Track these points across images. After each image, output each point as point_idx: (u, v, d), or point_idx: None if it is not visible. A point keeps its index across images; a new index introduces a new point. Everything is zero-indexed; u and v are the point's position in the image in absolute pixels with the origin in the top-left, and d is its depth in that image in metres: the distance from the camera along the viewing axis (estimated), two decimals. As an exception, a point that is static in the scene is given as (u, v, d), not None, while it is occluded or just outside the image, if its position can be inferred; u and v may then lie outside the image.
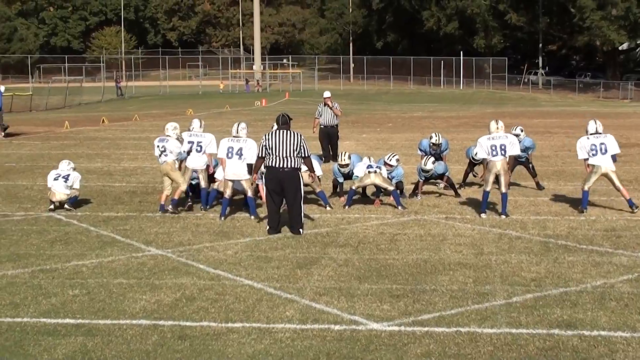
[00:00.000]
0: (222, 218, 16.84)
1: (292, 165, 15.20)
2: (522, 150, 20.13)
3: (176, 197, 17.46)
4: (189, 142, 17.85)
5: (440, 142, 20.30)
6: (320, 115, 27.47)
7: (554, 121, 47.81)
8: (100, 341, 9.40)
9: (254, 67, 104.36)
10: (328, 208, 17.93)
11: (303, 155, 15.37)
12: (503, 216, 16.90)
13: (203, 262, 13.24)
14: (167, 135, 17.66)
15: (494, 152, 16.87)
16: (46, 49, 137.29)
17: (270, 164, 15.27)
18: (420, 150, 20.56)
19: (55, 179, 18.11)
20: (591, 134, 17.66)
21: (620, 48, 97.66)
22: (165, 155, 17.45)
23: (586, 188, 17.61)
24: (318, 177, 17.62)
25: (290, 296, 11.25)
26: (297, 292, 11.43)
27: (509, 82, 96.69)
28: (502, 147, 16.87)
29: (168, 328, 9.88)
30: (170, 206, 17.39)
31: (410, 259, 13.40)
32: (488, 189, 17.05)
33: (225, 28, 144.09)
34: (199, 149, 17.87)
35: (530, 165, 20.74)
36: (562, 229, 15.81)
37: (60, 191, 17.97)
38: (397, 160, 18.74)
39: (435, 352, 9.03)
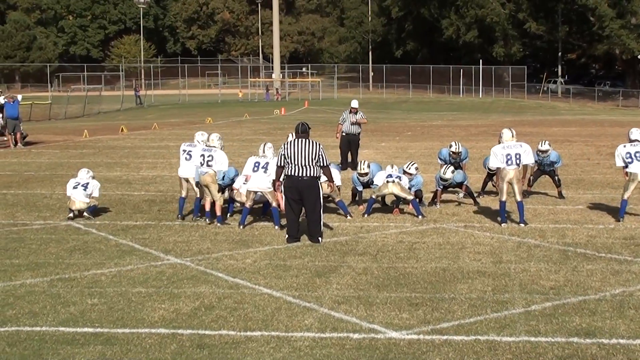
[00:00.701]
0: (242, 226, 16.87)
1: (311, 174, 15.23)
2: (548, 165, 20.17)
3: (218, 213, 17.36)
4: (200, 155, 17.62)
5: (460, 150, 20.29)
6: (344, 122, 27.59)
7: (573, 130, 47.69)
8: (119, 350, 9.42)
9: (273, 75, 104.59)
10: (348, 217, 17.92)
11: (322, 164, 15.38)
12: (522, 224, 16.85)
13: (222, 270, 13.26)
14: (212, 146, 17.59)
15: (509, 161, 16.80)
16: (65, 58, 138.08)
17: (289, 173, 15.29)
18: (440, 159, 20.57)
19: (74, 188, 18.19)
20: (631, 142, 17.53)
21: (639, 57, 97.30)
22: (209, 166, 17.31)
23: (625, 197, 17.49)
24: (337, 187, 17.63)
25: (309, 305, 11.25)
26: (315, 301, 11.43)
27: (528, 91, 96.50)
28: (517, 156, 16.83)
29: (187, 337, 9.89)
30: (217, 222, 17.24)
31: (429, 267, 13.38)
32: (504, 198, 16.98)
33: (245, 37, 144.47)
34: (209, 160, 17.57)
35: (557, 177, 20.62)
36: (581, 237, 15.76)
37: (79, 199, 18.05)
38: (416, 168, 18.74)
39: (453, 361, 9.03)
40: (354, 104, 28.14)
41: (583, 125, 52.95)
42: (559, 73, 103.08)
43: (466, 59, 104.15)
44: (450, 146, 20.45)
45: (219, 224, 17.11)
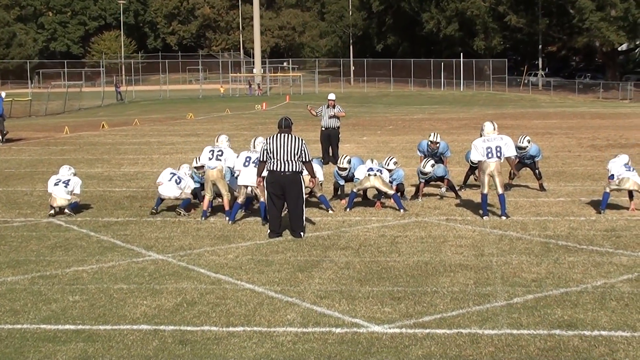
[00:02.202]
0: (230, 222, 16.87)
1: (294, 169, 15.19)
2: (528, 159, 20.24)
3: (227, 207, 17.42)
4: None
5: (437, 140, 20.30)
6: (320, 115, 27.49)
7: (554, 122, 47.82)
8: (101, 347, 9.38)
9: (254, 70, 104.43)
10: (330, 212, 17.90)
11: (304, 159, 15.33)
12: (503, 217, 16.88)
13: (204, 266, 13.23)
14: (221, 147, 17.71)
15: (490, 154, 16.82)
16: (45, 54, 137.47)
17: (272, 168, 15.24)
18: (420, 151, 20.59)
19: (55, 184, 18.11)
20: None
21: (619, 49, 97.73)
22: (218, 160, 17.36)
23: (608, 190, 17.69)
24: (319, 182, 17.62)
25: (291, 300, 11.24)
26: (298, 296, 11.42)
27: (509, 84, 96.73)
28: (498, 149, 16.84)
29: (169, 333, 9.86)
30: (228, 219, 17.16)
31: (411, 261, 13.39)
32: (485, 191, 16.99)
33: (225, 32, 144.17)
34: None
35: (537, 170, 20.66)
36: (562, 230, 15.81)
37: (60, 196, 17.97)
38: (395, 163, 18.75)
39: (436, 354, 9.02)
40: (331, 96, 28.00)
41: (564, 117, 53.10)
42: (540, 66, 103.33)
43: (447, 52, 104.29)
44: (429, 136, 20.49)
45: (230, 221, 17.01)
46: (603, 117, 51.76)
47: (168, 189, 17.94)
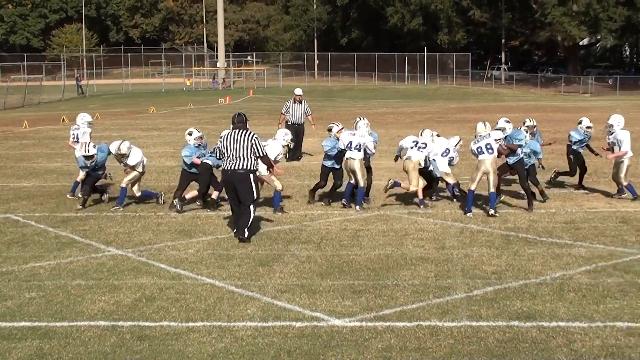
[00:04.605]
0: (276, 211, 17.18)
1: (245, 167, 14.64)
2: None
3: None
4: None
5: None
6: (288, 112, 27.24)
7: (516, 116, 47.73)
8: (57, 344, 9.27)
9: (218, 64, 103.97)
10: (278, 214, 17.18)
11: (258, 154, 14.84)
12: (492, 211, 16.59)
13: (164, 261, 13.14)
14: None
15: (480, 151, 16.71)
16: (5, 47, 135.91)
17: (225, 166, 14.88)
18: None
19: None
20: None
21: (580, 43, 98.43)
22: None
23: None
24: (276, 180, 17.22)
25: (251, 294, 11.19)
26: (258, 290, 11.38)
27: (472, 78, 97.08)
28: (488, 146, 16.70)
29: (127, 329, 9.79)
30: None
31: (372, 254, 13.39)
32: (473, 187, 16.88)
33: (189, 25, 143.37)
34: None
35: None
36: (522, 222, 15.88)
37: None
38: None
39: (396, 347, 9.02)
40: (298, 91, 27.85)
41: (526, 111, 53.28)
42: (503, 60, 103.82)
43: (411, 46, 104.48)
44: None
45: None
46: (564, 111, 52.09)
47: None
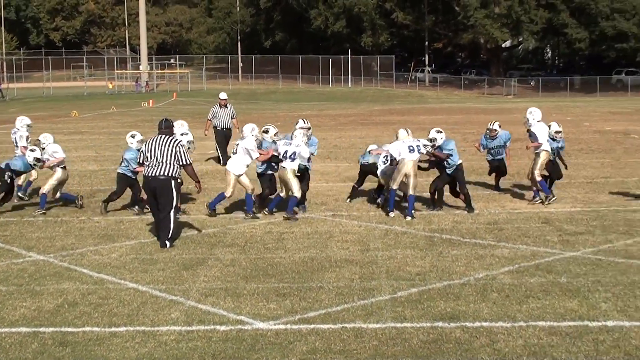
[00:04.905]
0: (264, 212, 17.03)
1: (167, 173, 14.36)
2: (502, 146, 19.70)
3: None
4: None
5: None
6: (215, 117, 26.83)
7: (440, 117, 48.48)
8: (-23, 350, 9.12)
9: (141, 67, 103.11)
10: (248, 217, 16.88)
11: (182, 163, 14.56)
12: (408, 218, 16.62)
13: (86, 266, 12.98)
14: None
15: (411, 150, 16.76)
16: None
17: (146, 172, 14.57)
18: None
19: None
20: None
21: (503, 45, 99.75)
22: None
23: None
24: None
25: (175, 298, 11.12)
26: (182, 294, 11.31)
27: (396, 80, 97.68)
28: (418, 147, 16.83)
29: (49, 335, 9.65)
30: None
31: (297, 257, 13.39)
32: (395, 186, 16.97)
33: (111, 28, 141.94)
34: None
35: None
36: (446, 224, 16.02)
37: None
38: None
39: (320, 349, 9.03)
40: (223, 95, 27.59)
41: (450, 113, 53.89)
42: (426, 62, 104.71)
43: (335, 48, 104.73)
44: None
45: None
46: (488, 113, 52.64)
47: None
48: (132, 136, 17.61)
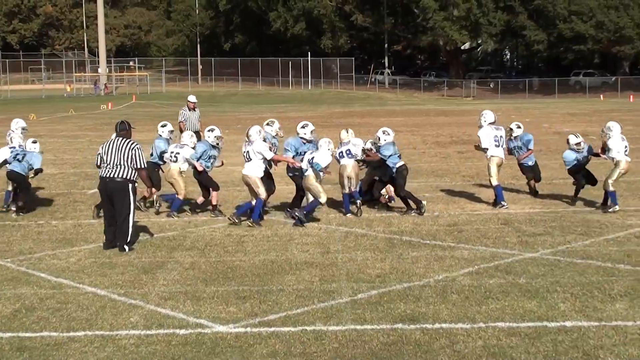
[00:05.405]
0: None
1: (123, 176, 14.25)
2: (520, 148, 19.32)
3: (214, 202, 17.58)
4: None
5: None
6: (186, 120, 26.45)
7: (399, 120, 48.63)
8: None
9: (100, 70, 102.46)
10: (253, 225, 16.34)
11: (137, 166, 14.39)
12: (349, 215, 17.01)
13: (44, 270, 12.86)
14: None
15: (342, 156, 17.21)
16: None
17: (102, 174, 14.46)
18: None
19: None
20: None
21: (462, 47, 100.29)
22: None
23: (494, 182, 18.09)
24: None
25: (134, 302, 11.05)
26: (141, 298, 11.24)
27: (356, 82, 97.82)
28: (348, 152, 17.19)
29: (6, 340, 9.54)
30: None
31: (257, 260, 13.36)
32: (346, 191, 17.19)
33: (69, 30, 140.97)
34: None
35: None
36: (406, 225, 16.06)
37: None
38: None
39: (280, 352, 9.02)
40: (192, 98, 27.03)
41: (409, 115, 54.08)
42: (386, 64, 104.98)
43: (295, 51, 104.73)
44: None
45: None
46: (447, 115, 52.97)
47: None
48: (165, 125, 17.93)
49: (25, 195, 18.26)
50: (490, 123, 18.26)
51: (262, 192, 16.38)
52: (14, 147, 18.45)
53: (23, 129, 19.72)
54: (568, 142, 18.15)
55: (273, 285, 11.75)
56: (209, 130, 17.63)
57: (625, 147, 17.32)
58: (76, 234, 15.81)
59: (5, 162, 18.07)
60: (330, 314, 10.34)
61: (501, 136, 18.13)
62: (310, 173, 16.43)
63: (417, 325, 9.80)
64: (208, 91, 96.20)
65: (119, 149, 14.36)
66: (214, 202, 17.50)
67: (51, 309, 10.77)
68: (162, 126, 18.63)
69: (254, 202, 16.53)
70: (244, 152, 16.55)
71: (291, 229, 15.85)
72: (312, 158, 16.45)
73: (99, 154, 14.62)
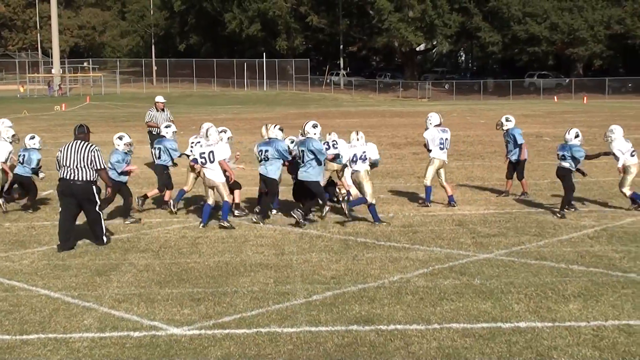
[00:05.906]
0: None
1: (85, 178, 14.34)
2: (508, 142, 19.32)
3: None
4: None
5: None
6: (153, 121, 25.96)
7: (355, 121, 48.68)
8: None
9: (53, 70, 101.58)
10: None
11: (97, 167, 14.45)
12: (377, 223, 16.33)
13: (-4, 273, 12.75)
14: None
15: (355, 160, 16.53)
16: None
17: (62, 176, 14.47)
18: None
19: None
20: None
21: (417, 49, 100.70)
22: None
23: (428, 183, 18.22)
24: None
25: (88, 304, 10.98)
26: (95, 300, 11.17)
27: (311, 83, 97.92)
28: (363, 156, 16.56)
29: (-43, 344, 9.45)
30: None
31: (211, 261, 13.33)
32: (371, 200, 16.43)
33: (22, 31, 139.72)
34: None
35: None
36: (361, 227, 16.09)
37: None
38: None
39: (235, 354, 9.01)
40: (160, 99, 26.44)
41: (365, 116, 54.20)
42: (341, 65, 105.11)
43: (250, 52, 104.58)
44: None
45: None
46: (402, 116, 53.13)
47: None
48: (120, 138, 17.11)
49: (32, 196, 18.43)
50: (435, 125, 18.44)
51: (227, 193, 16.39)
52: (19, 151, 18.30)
53: (9, 127, 19.12)
54: (577, 137, 17.17)
55: (227, 287, 11.73)
56: (118, 138, 17.04)
57: (632, 148, 17.40)
58: (29, 236, 15.67)
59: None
60: (285, 315, 10.34)
61: (446, 139, 18.25)
62: (361, 168, 16.45)
63: (372, 327, 9.83)
64: (163, 92, 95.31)
65: (78, 152, 14.43)
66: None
67: (3, 311, 10.68)
68: (166, 127, 18.83)
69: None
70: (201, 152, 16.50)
71: (246, 231, 15.83)
72: (363, 153, 16.58)
73: (57, 157, 14.59)
